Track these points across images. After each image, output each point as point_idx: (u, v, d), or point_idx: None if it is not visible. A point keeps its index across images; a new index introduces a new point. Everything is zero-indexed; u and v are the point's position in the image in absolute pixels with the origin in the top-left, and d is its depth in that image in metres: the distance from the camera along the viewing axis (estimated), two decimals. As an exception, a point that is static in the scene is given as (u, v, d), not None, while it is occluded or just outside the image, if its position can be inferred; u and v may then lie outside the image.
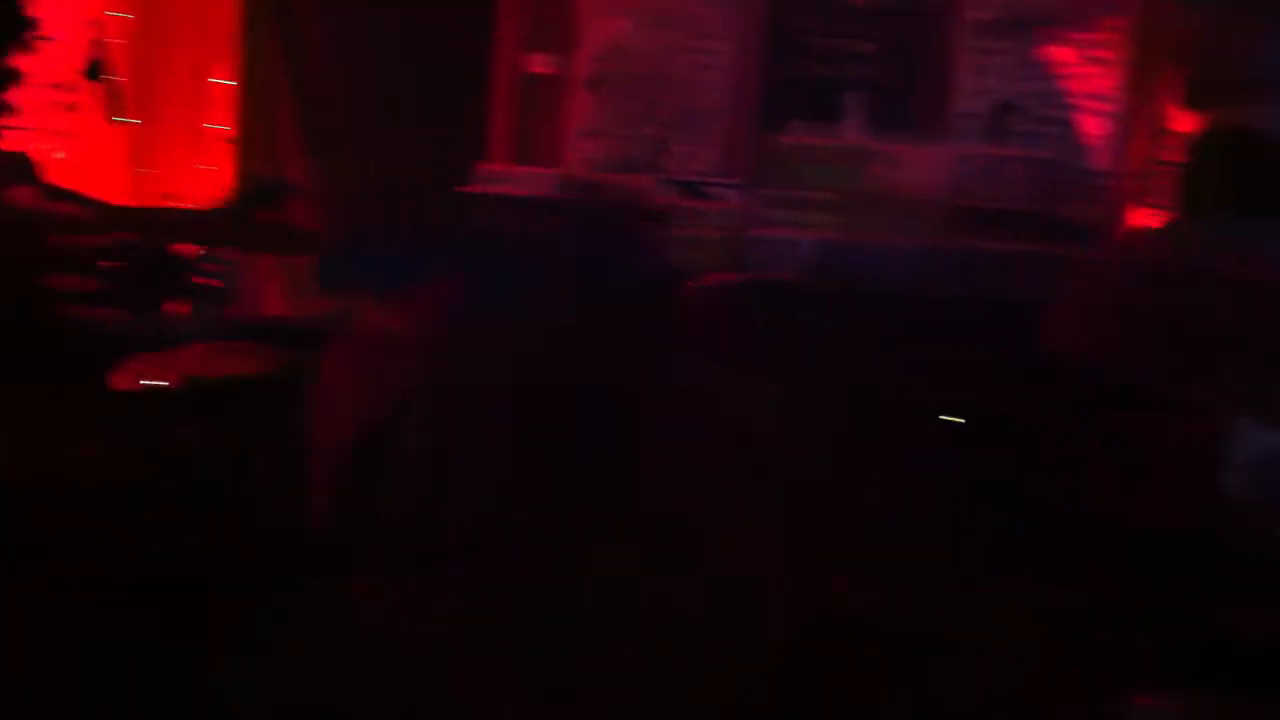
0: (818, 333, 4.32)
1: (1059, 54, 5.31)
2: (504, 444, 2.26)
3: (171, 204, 5.52)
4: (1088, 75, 5.29)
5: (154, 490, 3.32)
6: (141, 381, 3.62)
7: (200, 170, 5.67)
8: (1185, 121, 4.97)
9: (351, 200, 5.13)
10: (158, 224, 4.55)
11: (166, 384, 3.62)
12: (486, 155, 5.50)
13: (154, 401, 3.64)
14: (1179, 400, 2.94)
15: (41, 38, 4.47)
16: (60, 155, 5.40)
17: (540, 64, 5.57)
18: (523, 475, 2.24)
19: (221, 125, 5.63)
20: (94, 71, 5.44)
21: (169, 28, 5.67)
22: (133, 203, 5.51)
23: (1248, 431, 2.66)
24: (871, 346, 4.40)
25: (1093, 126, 5.30)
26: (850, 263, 4.84)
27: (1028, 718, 2.45)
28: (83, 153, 5.54)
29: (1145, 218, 5.20)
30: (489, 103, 5.55)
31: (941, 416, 4.24)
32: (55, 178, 4.62)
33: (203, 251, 4.40)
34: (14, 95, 4.23)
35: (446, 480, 2.30)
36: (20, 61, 4.21)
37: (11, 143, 4.48)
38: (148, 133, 5.64)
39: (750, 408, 2.79)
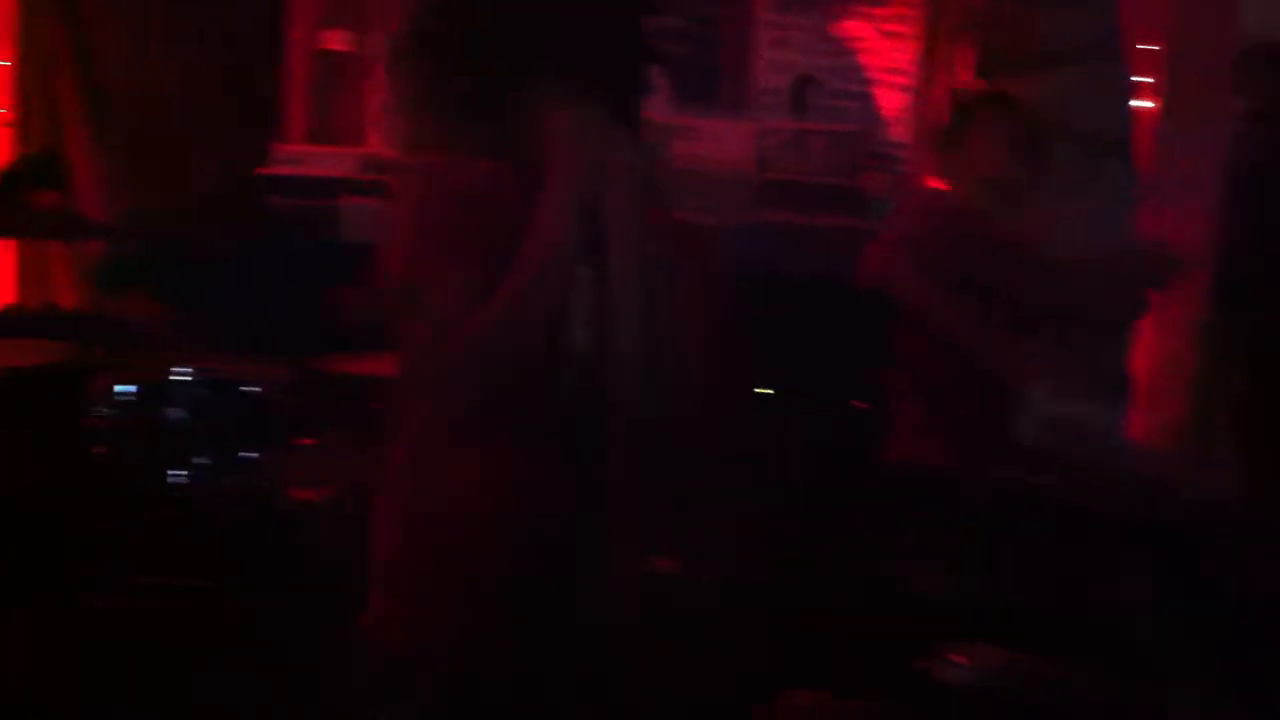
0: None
1: (856, 29, 5.38)
2: None
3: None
4: (885, 49, 5.37)
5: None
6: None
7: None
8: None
9: (139, 185, 4.91)
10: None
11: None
12: (284, 136, 5.33)
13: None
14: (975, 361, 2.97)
15: None
16: None
17: (337, 40, 5.41)
18: None
19: (-3, 107, 5.34)
20: None
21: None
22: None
23: (1040, 394, 2.71)
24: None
25: (891, 100, 5.39)
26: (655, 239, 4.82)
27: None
28: None
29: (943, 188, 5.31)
30: (285, 81, 5.38)
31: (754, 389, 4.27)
32: None
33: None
34: None
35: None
36: None
37: None
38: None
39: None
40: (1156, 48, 4.91)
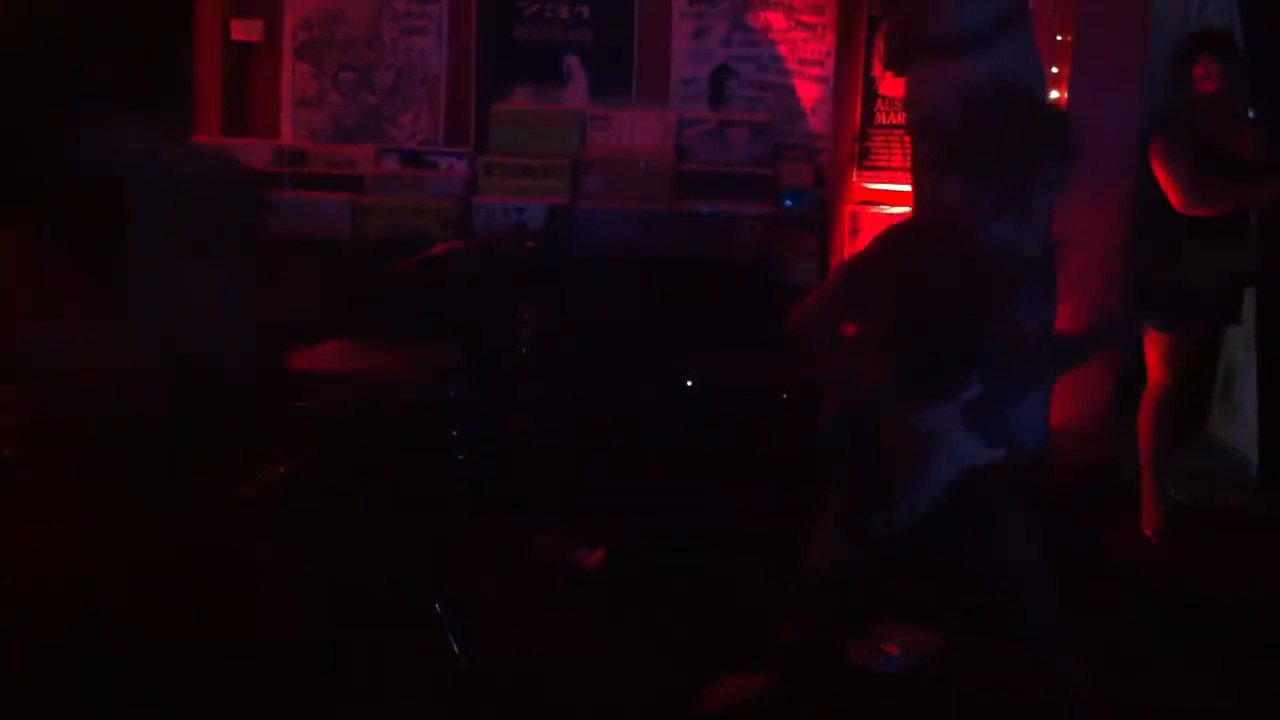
0: (542, 298, 4.29)
1: (772, 19, 5.40)
2: None
3: None
4: (800, 40, 5.40)
5: None
6: None
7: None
8: (894, 84, 5.14)
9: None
10: None
11: None
12: (194, 128, 5.24)
13: None
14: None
15: None
16: None
17: (246, 31, 5.32)
18: None
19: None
20: None
21: None
22: None
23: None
24: (595, 309, 4.41)
25: (808, 90, 5.42)
26: (573, 227, 4.82)
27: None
28: None
29: (860, 178, 5.36)
30: (194, 73, 5.28)
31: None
32: None
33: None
34: None
35: None
36: None
37: None
38: None
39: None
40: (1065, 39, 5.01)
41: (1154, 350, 4.25)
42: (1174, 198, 4.06)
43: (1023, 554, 2.70)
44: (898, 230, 2.85)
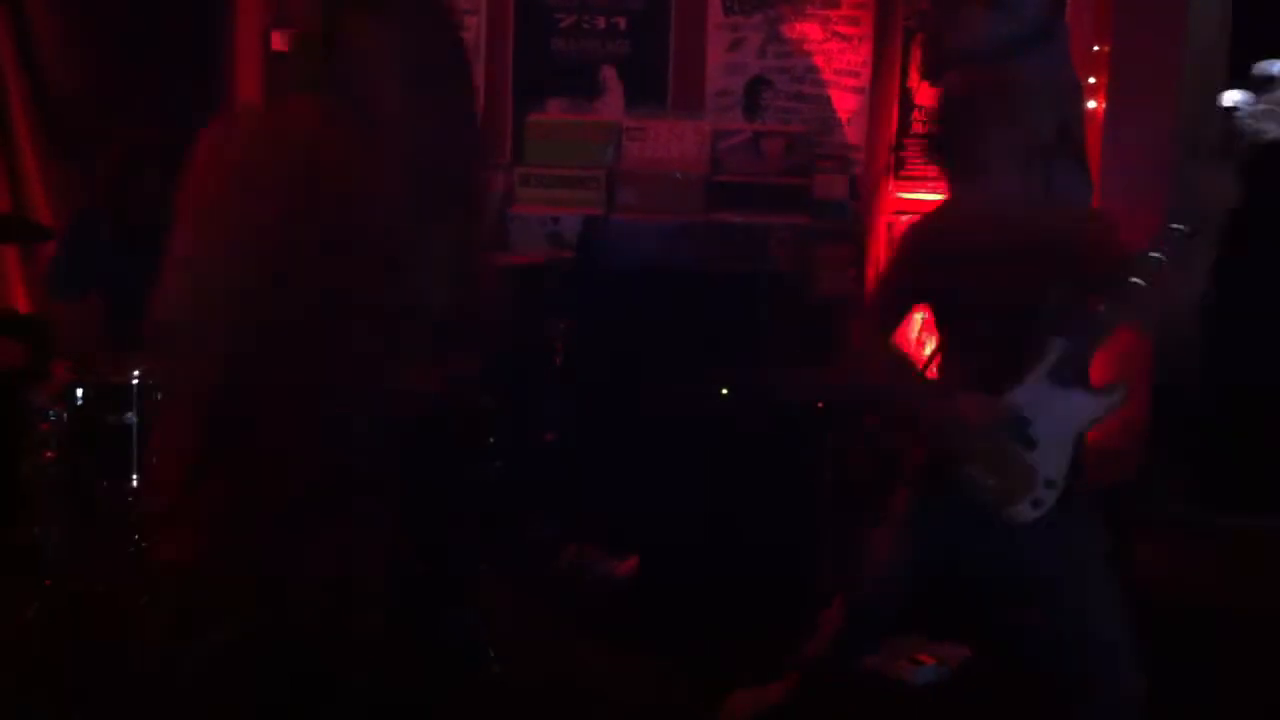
0: (576, 309, 4.32)
1: (808, 30, 5.40)
2: None
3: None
4: (836, 51, 5.40)
5: None
6: None
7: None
8: (930, 94, 5.14)
9: (88, 191, 4.87)
10: None
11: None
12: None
13: None
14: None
15: None
16: None
17: (285, 41, 5.38)
18: None
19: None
20: None
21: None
22: None
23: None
24: (628, 320, 4.42)
25: (843, 101, 5.42)
26: (607, 238, 4.84)
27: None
28: None
29: (896, 188, 5.36)
30: (233, 84, 5.34)
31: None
32: None
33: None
34: None
35: None
36: None
37: None
38: None
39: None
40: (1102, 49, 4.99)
41: None
42: None
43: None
44: (938, 211, 2.87)
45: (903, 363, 2.86)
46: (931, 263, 2.74)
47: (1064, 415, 2.59)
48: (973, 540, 2.67)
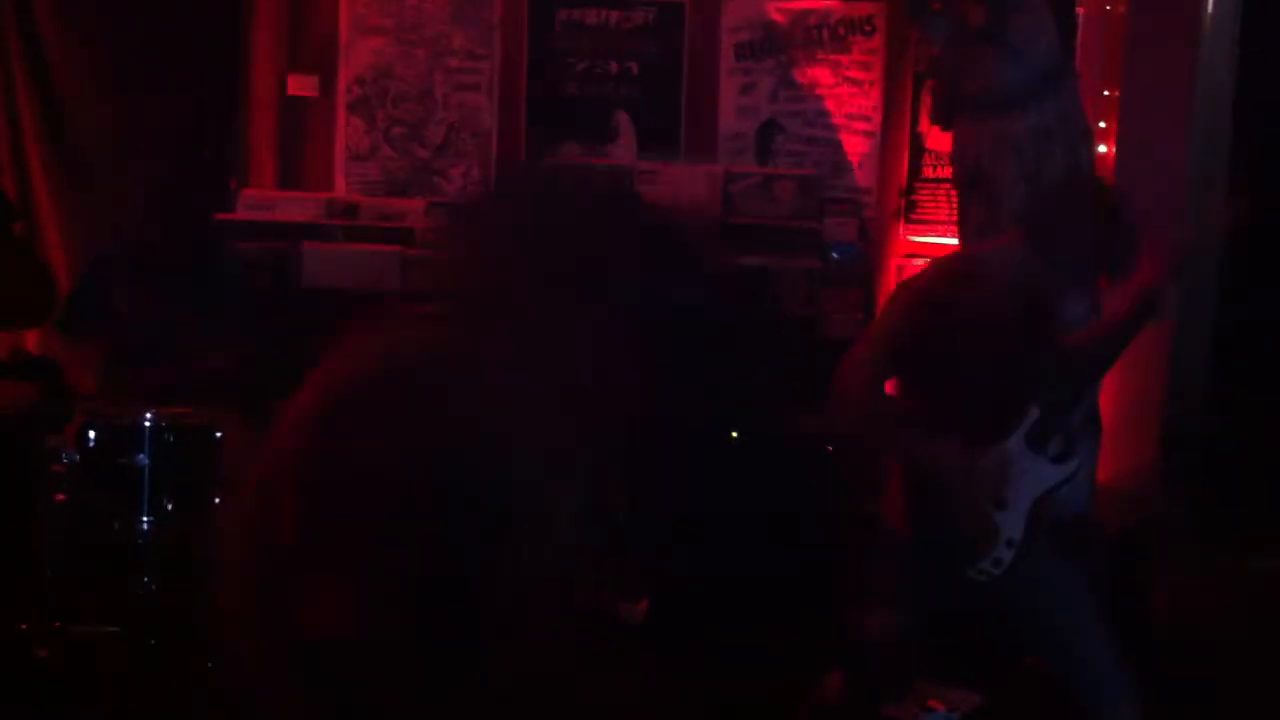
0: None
1: (819, 75, 5.44)
2: None
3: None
4: (847, 95, 5.44)
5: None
6: None
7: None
8: (941, 139, 5.16)
9: (101, 229, 4.91)
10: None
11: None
12: (247, 180, 5.34)
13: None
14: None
15: None
16: None
17: (302, 86, 5.42)
18: None
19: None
20: None
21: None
22: None
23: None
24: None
25: (854, 145, 5.45)
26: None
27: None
28: None
29: (906, 232, 5.38)
30: (248, 126, 5.38)
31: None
32: None
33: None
34: None
35: None
36: None
37: None
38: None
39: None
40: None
41: None
42: None
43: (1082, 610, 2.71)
44: (945, 267, 2.89)
45: (894, 411, 2.88)
46: (929, 321, 2.75)
47: (1032, 480, 2.70)
48: (949, 581, 2.73)
